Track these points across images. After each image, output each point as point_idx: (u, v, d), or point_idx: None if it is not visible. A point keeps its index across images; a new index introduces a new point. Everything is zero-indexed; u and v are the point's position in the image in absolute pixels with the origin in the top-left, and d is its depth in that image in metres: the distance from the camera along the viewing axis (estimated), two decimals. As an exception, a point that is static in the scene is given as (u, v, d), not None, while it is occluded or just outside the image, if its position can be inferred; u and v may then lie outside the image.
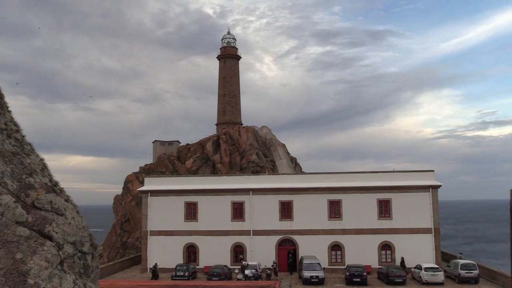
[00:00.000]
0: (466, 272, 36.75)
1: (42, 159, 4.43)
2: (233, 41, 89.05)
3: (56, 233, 3.72)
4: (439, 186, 43.73)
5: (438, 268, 37.78)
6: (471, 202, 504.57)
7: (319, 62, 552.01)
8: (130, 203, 70.36)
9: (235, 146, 74.05)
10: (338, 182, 44.45)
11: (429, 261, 40.79)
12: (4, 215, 3.45)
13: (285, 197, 44.67)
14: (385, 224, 43.45)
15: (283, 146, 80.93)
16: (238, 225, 44.74)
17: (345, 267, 39.85)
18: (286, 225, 44.28)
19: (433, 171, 45.34)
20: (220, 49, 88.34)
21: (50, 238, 3.65)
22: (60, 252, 3.66)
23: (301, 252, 43.20)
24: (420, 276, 37.05)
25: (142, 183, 57.37)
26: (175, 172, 71.63)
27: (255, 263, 40.06)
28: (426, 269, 37.03)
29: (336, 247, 43.79)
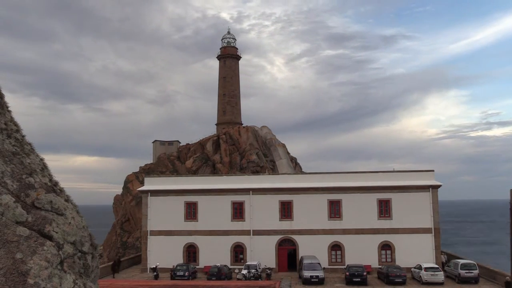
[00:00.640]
0: (466, 272, 36.75)
1: (42, 159, 4.43)
2: (233, 41, 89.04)
3: (56, 233, 3.72)
4: (439, 186, 43.73)
5: (438, 268, 37.78)
6: (472, 202, 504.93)
7: (329, 65, 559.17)
8: (130, 203, 70.37)
9: (235, 146, 74.05)
10: (338, 182, 44.44)
11: (429, 261, 40.81)
12: (4, 215, 3.45)
13: (285, 197, 44.67)
14: (385, 224, 43.45)
15: (283, 146, 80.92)
16: (238, 225, 44.74)
17: (345, 267, 39.84)
18: (286, 225, 44.29)
19: (433, 171, 45.33)
20: (220, 49, 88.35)
21: (50, 238, 3.65)
22: (60, 252, 3.67)
23: (301, 252, 43.20)
24: (420, 276, 37.05)
25: (142, 183, 57.37)
26: (175, 172, 71.63)
27: (255, 263, 40.07)
28: (426, 269, 37.03)
29: (336, 247, 43.79)
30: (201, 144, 77.15)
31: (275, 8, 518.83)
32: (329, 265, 42.89)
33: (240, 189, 45.02)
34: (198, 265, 43.67)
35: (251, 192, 44.81)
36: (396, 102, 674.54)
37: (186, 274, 39.15)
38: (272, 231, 44.33)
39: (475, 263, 38.08)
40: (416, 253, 42.02)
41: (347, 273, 37.48)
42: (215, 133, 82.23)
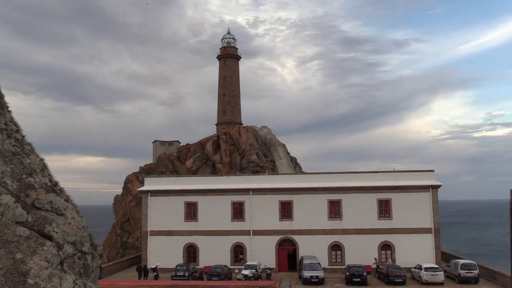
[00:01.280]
0: (466, 272, 36.74)
1: (42, 159, 4.43)
2: (233, 41, 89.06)
3: (56, 233, 3.72)
4: (439, 186, 43.73)
5: (438, 268, 37.76)
6: (473, 202, 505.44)
7: (339, 67, 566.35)
8: (130, 203, 70.38)
9: (235, 146, 74.06)
10: (338, 182, 44.45)
11: (429, 261, 40.80)
12: (4, 215, 3.45)
13: (285, 197, 44.68)
14: (385, 224, 43.46)
15: (283, 146, 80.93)
16: (238, 225, 44.74)
17: (345, 267, 39.85)
18: (286, 225, 44.29)
19: (433, 171, 45.34)
20: (220, 49, 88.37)
21: (50, 238, 3.65)
22: (60, 252, 3.67)
23: (301, 252, 43.20)
24: (420, 276, 37.04)
25: (142, 183, 57.37)
26: (175, 172, 71.64)
27: (255, 263, 40.07)
28: (426, 269, 37.02)
29: (336, 247, 43.80)
30: (201, 144, 77.16)
31: (292, 13, 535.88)
32: (329, 265, 42.90)
33: (240, 189, 45.02)
34: (198, 265, 43.66)
35: (251, 192, 44.81)
36: (403, 104, 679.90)
37: (186, 274, 39.06)
38: (272, 231, 44.33)
39: (475, 263, 38.05)
40: (416, 253, 42.02)
41: (347, 273, 37.47)
42: (215, 133, 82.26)
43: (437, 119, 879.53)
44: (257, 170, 68.02)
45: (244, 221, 44.71)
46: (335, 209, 44.21)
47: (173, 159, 76.79)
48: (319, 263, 38.56)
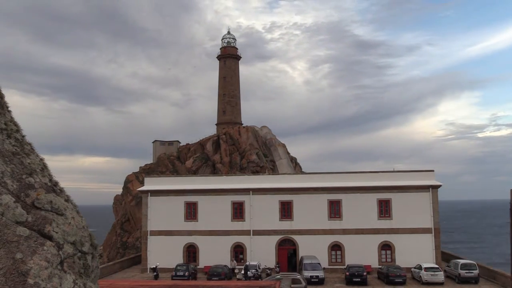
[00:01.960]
0: (466, 272, 36.74)
1: (42, 159, 4.43)
2: (233, 41, 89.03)
3: (56, 233, 3.72)
4: (439, 186, 43.72)
5: (438, 268, 37.77)
6: (474, 202, 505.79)
7: (350, 70, 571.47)
8: (130, 203, 70.37)
9: (235, 146, 74.05)
10: (338, 182, 44.45)
11: (429, 261, 40.80)
12: (4, 215, 3.45)
13: (285, 197, 44.68)
14: (385, 224, 43.46)
15: (283, 146, 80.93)
16: (238, 225, 44.74)
17: (345, 267, 39.86)
18: (286, 225, 44.29)
19: (433, 171, 45.34)
20: (220, 49, 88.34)
21: (50, 238, 3.65)
22: (60, 252, 3.66)
23: (301, 252, 43.21)
24: (420, 276, 37.05)
25: (142, 183, 57.38)
26: (175, 172, 71.63)
27: (255, 263, 40.07)
28: (426, 269, 37.03)
29: (336, 247, 43.80)
30: (201, 144, 77.15)
31: (308, 18, 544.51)
32: (329, 265, 42.90)
33: (240, 189, 45.02)
34: (198, 265, 43.67)
35: (251, 192, 44.81)
36: (411, 106, 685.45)
37: (186, 274, 39.08)
38: (272, 231, 44.33)
39: (475, 263, 38.06)
40: (416, 253, 42.02)
41: (347, 273, 37.48)
42: (215, 133, 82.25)
43: (443, 120, 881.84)
44: (257, 170, 68.02)
45: (244, 221, 44.72)
46: (335, 209, 44.20)
47: (173, 159, 76.78)
48: (319, 263, 38.58)
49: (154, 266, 41.19)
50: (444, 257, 46.37)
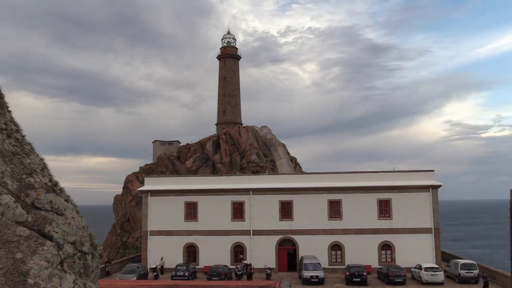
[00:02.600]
0: (466, 272, 36.74)
1: (42, 159, 4.43)
2: (233, 41, 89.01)
3: (56, 233, 3.72)
4: (439, 186, 43.72)
5: (438, 268, 37.76)
6: (474, 202, 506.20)
7: (359, 73, 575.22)
8: (130, 203, 70.37)
9: (235, 146, 74.04)
10: (338, 182, 44.44)
11: (429, 261, 40.80)
12: (4, 215, 3.45)
13: (285, 197, 44.67)
14: (385, 224, 43.45)
15: (283, 146, 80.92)
16: (238, 225, 44.73)
17: (345, 267, 39.85)
18: (286, 225, 44.28)
19: (433, 171, 45.34)
20: (220, 49, 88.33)
21: (50, 238, 3.66)
22: (60, 252, 3.67)
23: (301, 252, 43.20)
24: (420, 276, 37.04)
25: (142, 183, 57.36)
26: (175, 172, 71.63)
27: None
28: (426, 269, 37.02)
29: (336, 247, 43.79)
30: (201, 144, 77.14)
31: (323, 23, 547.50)
32: (329, 265, 42.89)
33: (240, 189, 45.02)
34: (198, 265, 43.67)
35: (251, 192, 44.81)
36: (418, 108, 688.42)
37: (186, 274, 39.10)
38: (272, 231, 44.32)
39: (475, 263, 38.07)
40: (416, 253, 42.02)
41: (347, 273, 37.48)
42: (215, 133, 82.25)
43: (448, 120, 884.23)
44: (257, 170, 68.01)
45: (244, 221, 44.71)
46: (335, 209, 44.20)
47: (173, 159, 76.77)
48: (319, 263, 38.57)
49: (155, 266, 41.17)
50: (444, 257, 46.38)
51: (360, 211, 43.64)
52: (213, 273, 38.44)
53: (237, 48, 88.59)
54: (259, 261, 42.80)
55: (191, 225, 45.21)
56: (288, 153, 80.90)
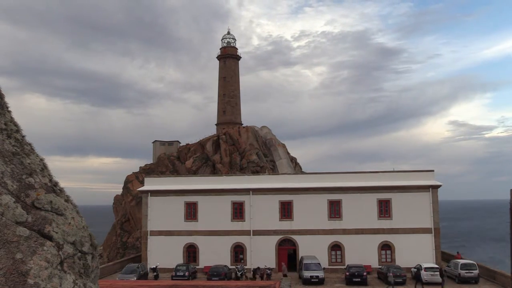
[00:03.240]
0: (466, 272, 36.73)
1: (42, 159, 4.43)
2: (233, 41, 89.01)
3: (56, 233, 3.72)
4: (439, 186, 43.72)
5: (438, 268, 37.75)
6: (475, 202, 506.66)
7: (368, 75, 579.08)
8: (130, 203, 70.36)
9: (235, 146, 74.03)
10: (338, 182, 44.45)
11: (429, 261, 40.79)
12: (4, 215, 3.45)
13: (285, 197, 44.67)
14: (385, 224, 43.46)
15: (283, 146, 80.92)
16: (238, 225, 44.74)
17: (345, 267, 39.86)
18: (286, 225, 44.28)
19: (433, 171, 45.34)
20: (220, 49, 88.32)
21: (50, 238, 3.65)
22: (60, 252, 3.66)
23: (301, 252, 43.20)
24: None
25: (142, 183, 57.37)
26: (175, 172, 71.62)
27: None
28: (426, 269, 37.00)
29: (336, 247, 43.79)
30: (201, 144, 77.12)
31: (337, 27, 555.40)
32: (329, 265, 42.90)
33: (240, 189, 45.02)
34: (198, 265, 43.67)
35: (251, 192, 44.81)
36: (424, 109, 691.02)
37: (186, 274, 39.11)
38: (272, 231, 44.33)
39: (475, 263, 38.06)
40: (416, 253, 42.01)
41: (347, 273, 37.48)
42: (215, 133, 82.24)
43: (453, 121, 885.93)
44: (257, 170, 68.00)
45: (244, 221, 44.71)
46: (335, 209, 44.20)
47: (173, 159, 76.75)
48: (319, 263, 38.58)
49: (154, 266, 41.19)
50: (444, 257, 46.38)
51: (360, 211, 43.64)
52: (213, 273, 38.44)
53: (237, 48, 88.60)
54: (259, 261, 42.78)
55: (191, 225, 45.21)
56: (288, 153, 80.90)
